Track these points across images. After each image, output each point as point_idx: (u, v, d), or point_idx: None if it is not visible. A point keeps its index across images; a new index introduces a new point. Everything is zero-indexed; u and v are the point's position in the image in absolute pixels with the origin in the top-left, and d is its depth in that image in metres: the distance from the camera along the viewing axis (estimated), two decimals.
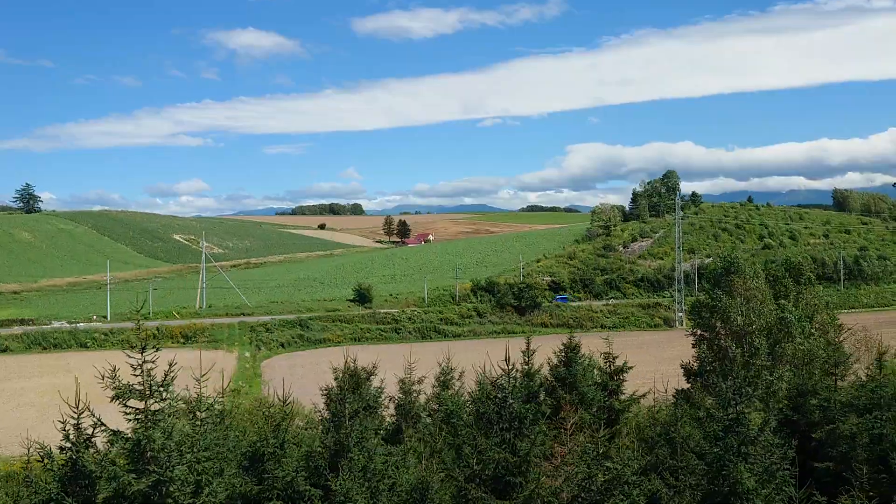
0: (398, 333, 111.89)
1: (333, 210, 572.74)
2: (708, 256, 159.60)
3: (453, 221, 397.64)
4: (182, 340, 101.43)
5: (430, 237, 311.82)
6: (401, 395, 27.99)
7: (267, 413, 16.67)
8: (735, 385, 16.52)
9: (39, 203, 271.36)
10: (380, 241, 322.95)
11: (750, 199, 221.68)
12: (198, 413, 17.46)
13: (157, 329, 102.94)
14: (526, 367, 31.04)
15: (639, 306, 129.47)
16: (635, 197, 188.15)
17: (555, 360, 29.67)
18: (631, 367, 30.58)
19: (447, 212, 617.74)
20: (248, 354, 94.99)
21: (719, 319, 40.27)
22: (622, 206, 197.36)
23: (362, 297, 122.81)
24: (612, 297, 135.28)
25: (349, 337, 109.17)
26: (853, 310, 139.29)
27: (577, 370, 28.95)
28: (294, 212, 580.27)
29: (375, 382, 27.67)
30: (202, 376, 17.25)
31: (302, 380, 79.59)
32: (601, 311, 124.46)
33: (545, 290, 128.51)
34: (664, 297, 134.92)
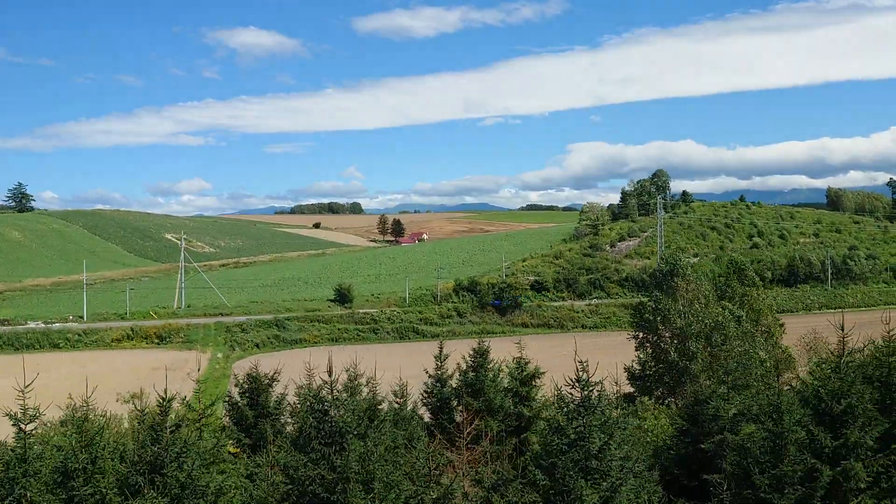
0: (376, 334, 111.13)
1: (332, 209, 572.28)
2: (695, 256, 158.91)
3: (449, 220, 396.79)
4: (157, 341, 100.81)
5: (425, 236, 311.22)
6: (298, 403, 27.28)
7: (80, 426, 15.85)
8: (582, 396, 15.77)
9: (32, 202, 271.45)
10: (374, 241, 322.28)
11: (742, 198, 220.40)
12: (22, 426, 16.69)
13: (132, 329, 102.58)
14: (438, 372, 30.32)
15: (621, 306, 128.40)
16: (624, 196, 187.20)
17: (464, 366, 28.91)
18: (543, 373, 29.82)
19: (449, 210, 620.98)
20: (220, 355, 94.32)
21: (660, 322, 39.48)
22: (614, 204, 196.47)
23: (342, 296, 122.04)
24: (595, 297, 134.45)
25: (326, 337, 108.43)
26: (839, 309, 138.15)
27: (486, 376, 28.18)
28: (293, 211, 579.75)
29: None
30: (24, 387, 16.44)
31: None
32: (582, 311, 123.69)
33: (527, 289, 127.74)
34: (649, 296, 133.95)
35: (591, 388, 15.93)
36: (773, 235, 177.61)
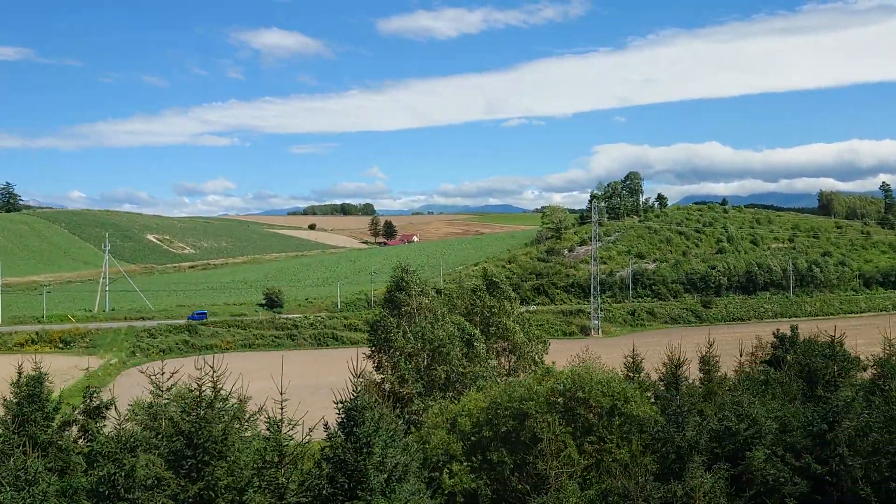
0: (293, 340, 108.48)
1: (345, 210, 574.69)
2: (655, 261, 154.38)
3: (447, 222, 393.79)
4: (61, 346, 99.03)
5: (415, 238, 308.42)
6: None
7: None
8: None
9: (20, 201, 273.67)
10: (366, 242, 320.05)
11: (724, 202, 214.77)
12: None
13: (37, 333, 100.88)
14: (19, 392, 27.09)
15: (560, 313, 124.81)
16: (593, 199, 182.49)
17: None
18: (112, 402, 26.74)
19: (471, 212, 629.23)
20: (115, 361, 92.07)
21: (385, 341, 36.24)
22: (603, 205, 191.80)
23: (272, 301, 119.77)
24: (538, 303, 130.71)
25: (239, 343, 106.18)
26: (795, 318, 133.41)
27: (34, 407, 25.13)
28: (305, 212, 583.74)
29: None
30: None
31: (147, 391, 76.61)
32: None
33: None
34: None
35: None
36: (745, 241, 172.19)
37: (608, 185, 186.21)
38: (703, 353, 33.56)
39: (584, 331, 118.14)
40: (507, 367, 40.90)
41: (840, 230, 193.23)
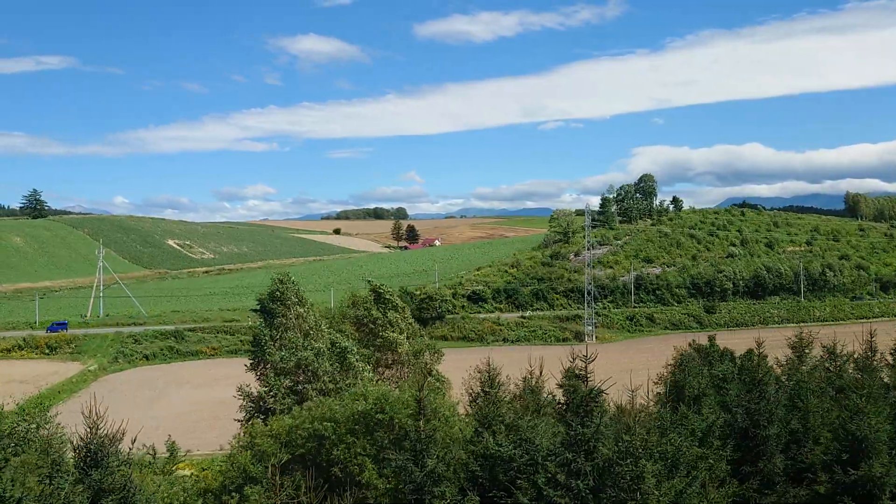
0: None
1: (377, 215, 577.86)
2: (663, 265, 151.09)
3: (472, 226, 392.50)
4: (46, 351, 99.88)
5: (437, 242, 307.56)
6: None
7: None
8: None
9: (47, 206, 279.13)
10: (388, 246, 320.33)
11: (744, 204, 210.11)
12: None
13: (24, 339, 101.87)
14: None
15: (555, 318, 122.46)
16: (604, 202, 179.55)
17: None
18: None
19: (509, 215, 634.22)
20: (94, 367, 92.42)
21: (260, 353, 35.11)
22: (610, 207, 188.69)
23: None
24: (536, 309, 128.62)
25: (225, 349, 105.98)
26: (802, 323, 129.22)
27: None
28: (338, 216, 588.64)
29: None
30: None
31: (120, 397, 76.62)
32: (507, 323, 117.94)
33: (447, 299, 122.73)
34: (595, 308, 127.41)
35: None
36: (759, 244, 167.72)
37: (619, 188, 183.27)
38: (568, 367, 31.80)
39: (579, 337, 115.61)
40: (397, 379, 39.50)
41: (863, 232, 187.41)
